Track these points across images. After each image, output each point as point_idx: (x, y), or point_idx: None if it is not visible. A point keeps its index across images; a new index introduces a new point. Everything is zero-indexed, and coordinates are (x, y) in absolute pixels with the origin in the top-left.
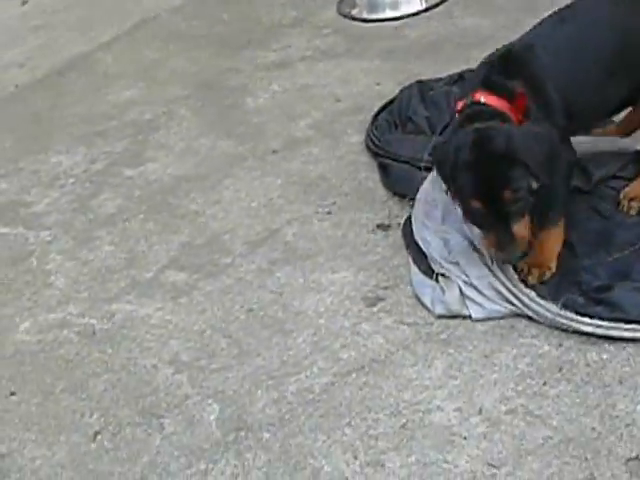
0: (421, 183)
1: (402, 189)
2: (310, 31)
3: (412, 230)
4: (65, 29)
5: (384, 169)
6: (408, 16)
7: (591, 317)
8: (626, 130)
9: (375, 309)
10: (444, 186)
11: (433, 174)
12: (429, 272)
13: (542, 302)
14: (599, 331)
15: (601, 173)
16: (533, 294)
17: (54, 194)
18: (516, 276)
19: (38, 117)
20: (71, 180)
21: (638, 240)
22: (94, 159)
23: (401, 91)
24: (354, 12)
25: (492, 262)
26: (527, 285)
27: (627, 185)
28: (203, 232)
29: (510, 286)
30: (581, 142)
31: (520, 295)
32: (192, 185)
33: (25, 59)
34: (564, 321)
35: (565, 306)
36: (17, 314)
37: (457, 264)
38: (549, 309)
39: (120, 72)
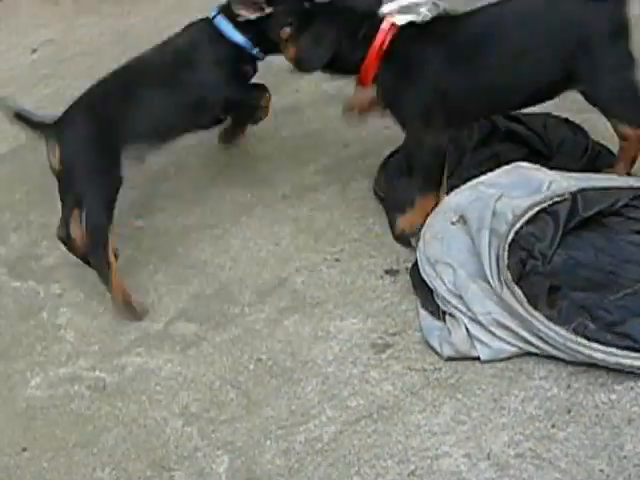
0: None
1: (406, 234)
2: (318, 75)
3: (419, 269)
4: (74, 78)
5: (390, 215)
6: None
7: (602, 343)
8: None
9: (384, 356)
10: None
11: (438, 208)
12: (436, 312)
13: (552, 326)
14: (611, 359)
15: (604, 206)
16: (542, 317)
17: (64, 247)
18: (525, 299)
19: (47, 168)
20: None
21: None
22: None
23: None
24: None
25: (501, 288)
26: (536, 308)
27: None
28: (212, 282)
29: (520, 309)
30: (592, 178)
31: (530, 318)
32: (201, 234)
33: (35, 109)
34: (574, 346)
35: (576, 331)
36: (28, 369)
37: (461, 298)
38: (559, 332)
39: None
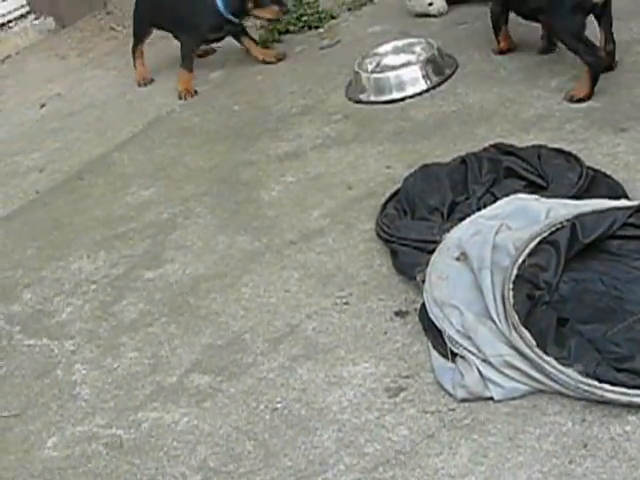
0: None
1: (411, 273)
2: (320, 118)
3: (427, 310)
4: (82, 131)
5: (395, 255)
6: (414, 96)
7: (613, 384)
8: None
9: (398, 399)
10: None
11: (441, 246)
12: (447, 354)
13: (563, 369)
14: (623, 398)
15: (603, 230)
16: (553, 361)
17: (77, 302)
18: (534, 342)
19: (59, 223)
20: (93, 287)
21: None
22: (114, 263)
23: (406, 179)
24: (362, 96)
25: (509, 332)
26: (546, 352)
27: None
28: (224, 332)
29: (530, 353)
30: (588, 204)
31: (540, 362)
32: (211, 284)
33: (45, 163)
34: (587, 388)
35: (586, 373)
36: (44, 429)
37: (471, 339)
38: (570, 375)
39: (137, 172)
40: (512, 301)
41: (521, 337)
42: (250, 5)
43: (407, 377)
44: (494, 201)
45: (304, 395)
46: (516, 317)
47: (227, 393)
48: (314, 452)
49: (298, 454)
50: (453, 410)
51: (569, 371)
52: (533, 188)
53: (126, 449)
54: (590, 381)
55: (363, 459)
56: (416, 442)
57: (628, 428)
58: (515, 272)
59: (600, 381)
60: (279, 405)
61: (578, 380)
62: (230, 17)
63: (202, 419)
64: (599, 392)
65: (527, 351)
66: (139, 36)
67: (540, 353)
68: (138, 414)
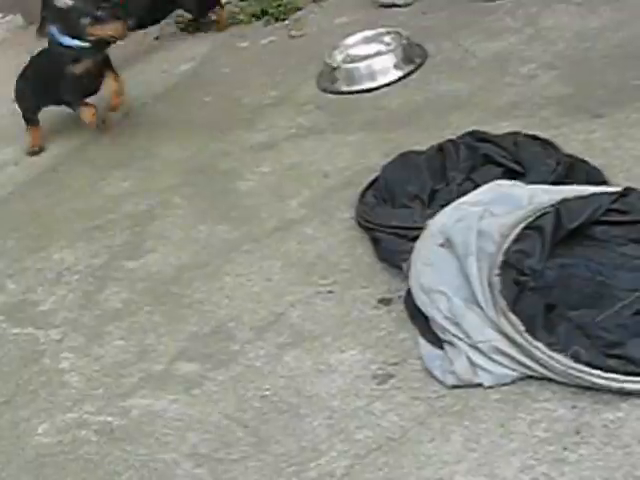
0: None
1: (394, 260)
2: (292, 109)
3: (413, 297)
4: (55, 123)
5: (376, 242)
6: (385, 86)
7: (604, 370)
8: None
9: (387, 386)
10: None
11: (424, 233)
12: (436, 341)
13: (552, 354)
14: (613, 384)
15: (588, 215)
16: (543, 346)
17: (60, 291)
18: (522, 327)
19: (38, 214)
20: (75, 277)
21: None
22: (95, 254)
23: (384, 167)
24: (334, 86)
25: (497, 317)
26: (535, 334)
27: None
28: (209, 321)
29: (519, 339)
30: (569, 190)
31: (530, 348)
32: (193, 274)
33: (19, 157)
34: (576, 374)
35: (576, 358)
36: (35, 416)
37: (459, 325)
38: (560, 361)
39: (113, 164)
40: (499, 287)
41: (510, 323)
42: (88, 22)
43: (395, 364)
44: (474, 188)
45: (292, 382)
46: (504, 303)
47: (215, 381)
48: (305, 439)
49: (290, 441)
50: (443, 397)
51: (559, 356)
52: (511, 175)
53: (117, 435)
54: (581, 367)
55: (355, 445)
56: (407, 429)
57: (620, 414)
58: (501, 258)
59: (591, 367)
60: (268, 392)
61: (568, 366)
62: (73, 43)
63: (191, 406)
64: (590, 378)
65: (516, 336)
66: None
67: (529, 338)
68: (127, 401)
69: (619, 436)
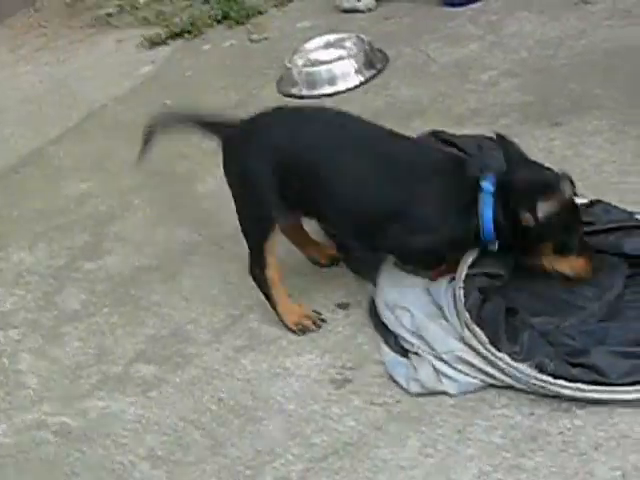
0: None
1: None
2: (253, 112)
3: (377, 310)
4: (15, 125)
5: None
6: (346, 90)
7: (567, 380)
8: None
9: (344, 391)
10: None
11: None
12: (400, 350)
13: (516, 365)
14: (578, 394)
15: None
16: (506, 357)
17: (19, 292)
18: (486, 339)
19: None
20: (35, 278)
21: (604, 293)
22: (55, 255)
23: None
24: (294, 90)
25: (462, 329)
26: (499, 348)
27: None
28: (167, 323)
29: (483, 351)
30: None
31: (494, 359)
32: (152, 276)
33: None
34: (540, 383)
35: (540, 369)
36: None
37: (422, 338)
38: (524, 372)
39: (73, 165)
40: (463, 300)
41: (474, 335)
42: None
43: (352, 369)
44: None
45: (249, 385)
46: (467, 315)
47: (172, 383)
48: (261, 442)
49: (246, 444)
50: (400, 402)
51: (523, 367)
52: None
53: (75, 437)
54: (545, 377)
55: (311, 449)
56: (364, 433)
57: (577, 422)
58: (465, 271)
59: (555, 377)
60: (224, 395)
61: (532, 376)
62: None
63: (148, 408)
64: (553, 388)
65: (480, 348)
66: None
67: (493, 350)
68: (85, 403)
69: (575, 443)
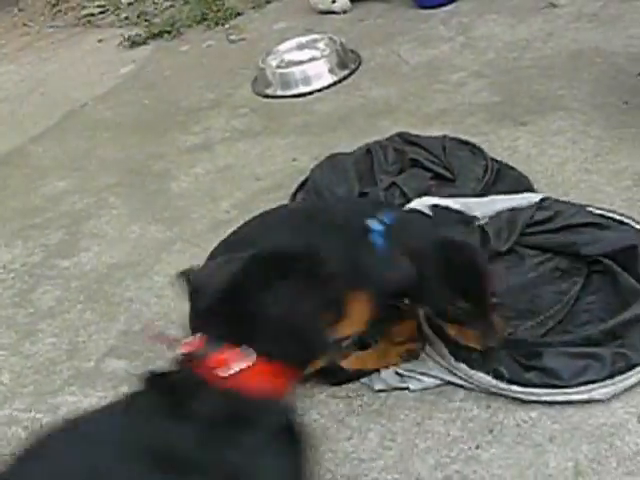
0: None
1: None
2: (228, 112)
3: None
4: None
5: None
6: (319, 90)
7: (523, 385)
8: None
9: (307, 384)
10: None
11: None
12: None
13: (472, 373)
14: (532, 398)
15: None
16: (464, 367)
17: None
18: (446, 350)
19: None
20: (11, 275)
21: (561, 297)
22: (31, 252)
23: (313, 170)
24: (268, 90)
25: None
26: (457, 359)
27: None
28: (139, 319)
29: (443, 363)
30: (496, 200)
31: (453, 369)
32: (125, 272)
33: None
34: (496, 390)
35: (496, 376)
36: None
37: None
38: (481, 379)
39: (52, 164)
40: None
41: (433, 349)
42: None
43: None
44: (400, 193)
45: None
46: (431, 331)
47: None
48: None
49: None
50: (361, 396)
51: (480, 375)
52: (440, 180)
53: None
54: (500, 384)
55: None
56: (326, 426)
57: (533, 415)
58: None
59: (509, 383)
60: None
61: (489, 384)
62: None
63: None
64: (510, 393)
65: (440, 361)
66: None
67: (453, 362)
68: (57, 398)
69: (531, 435)
